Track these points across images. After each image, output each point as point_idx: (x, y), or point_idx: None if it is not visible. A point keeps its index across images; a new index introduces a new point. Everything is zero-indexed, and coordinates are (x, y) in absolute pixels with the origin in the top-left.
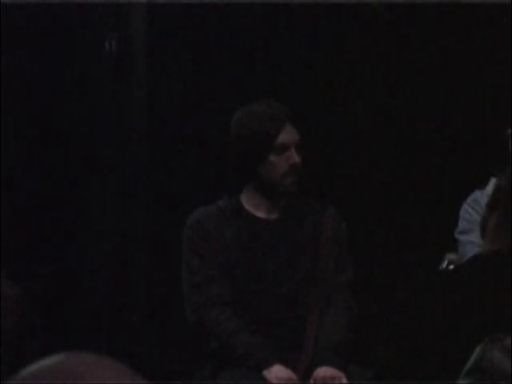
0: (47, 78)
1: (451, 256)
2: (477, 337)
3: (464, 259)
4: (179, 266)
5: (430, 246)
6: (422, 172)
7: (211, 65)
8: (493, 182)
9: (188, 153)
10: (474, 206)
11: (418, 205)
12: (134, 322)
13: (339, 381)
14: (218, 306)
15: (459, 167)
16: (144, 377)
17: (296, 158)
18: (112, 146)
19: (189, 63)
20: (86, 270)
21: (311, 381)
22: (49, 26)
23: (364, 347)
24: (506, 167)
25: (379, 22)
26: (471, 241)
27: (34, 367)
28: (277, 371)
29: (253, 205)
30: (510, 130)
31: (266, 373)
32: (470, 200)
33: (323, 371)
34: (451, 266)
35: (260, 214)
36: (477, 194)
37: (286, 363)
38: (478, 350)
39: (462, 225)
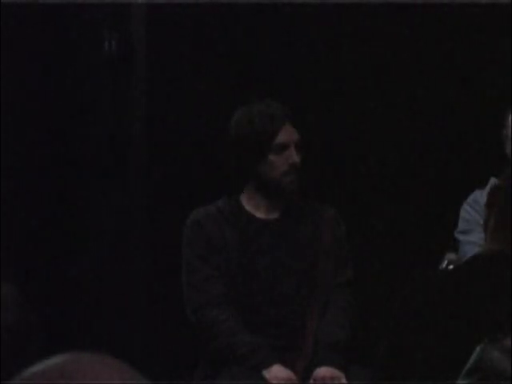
0: (47, 78)
1: (451, 256)
2: (477, 337)
3: (464, 259)
4: (179, 265)
5: (430, 246)
6: (422, 172)
7: (211, 65)
8: (492, 181)
9: (188, 153)
10: (474, 205)
11: (417, 205)
12: (134, 321)
13: (339, 381)
14: (218, 306)
15: (459, 167)
16: (144, 376)
17: (295, 157)
18: (112, 146)
19: (189, 63)
20: (85, 270)
21: (311, 381)
22: (49, 26)
23: (364, 347)
24: (504, 167)
25: (379, 22)
26: (471, 241)
27: (34, 367)
28: (276, 371)
29: (252, 205)
30: (504, 131)
31: (265, 373)
32: (470, 200)
33: (323, 371)
34: (451, 266)
35: (260, 215)
36: (477, 193)
37: (285, 363)
38: (477, 350)
39: (461, 225)
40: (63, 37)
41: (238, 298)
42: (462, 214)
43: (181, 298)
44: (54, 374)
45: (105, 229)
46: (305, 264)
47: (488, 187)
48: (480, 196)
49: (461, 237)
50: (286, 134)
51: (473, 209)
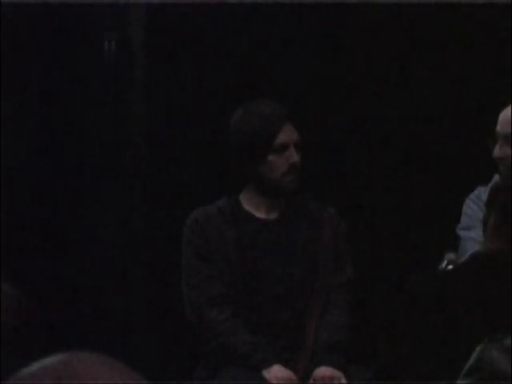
0: (47, 78)
1: (451, 256)
2: (477, 337)
3: (463, 258)
4: (179, 265)
5: (430, 246)
6: (423, 172)
7: (210, 65)
8: (496, 178)
9: (188, 152)
10: (477, 202)
11: (417, 204)
12: (134, 321)
13: (338, 381)
14: (217, 306)
15: (459, 167)
16: (144, 376)
17: (295, 157)
18: (112, 146)
19: (188, 63)
20: (85, 270)
21: (311, 381)
22: (49, 26)
23: (364, 347)
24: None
25: (379, 22)
26: (472, 237)
27: (34, 367)
28: (276, 371)
29: (252, 205)
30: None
31: (265, 373)
32: (473, 196)
33: (323, 371)
34: (451, 266)
35: (259, 215)
36: (480, 190)
37: (285, 363)
38: (477, 349)
39: (463, 220)
40: (63, 37)
41: (237, 297)
42: (465, 209)
43: (181, 297)
44: (53, 374)
45: (105, 229)
46: (304, 264)
47: (491, 183)
48: (483, 192)
49: (462, 233)
50: (286, 134)
51: (476, 205)
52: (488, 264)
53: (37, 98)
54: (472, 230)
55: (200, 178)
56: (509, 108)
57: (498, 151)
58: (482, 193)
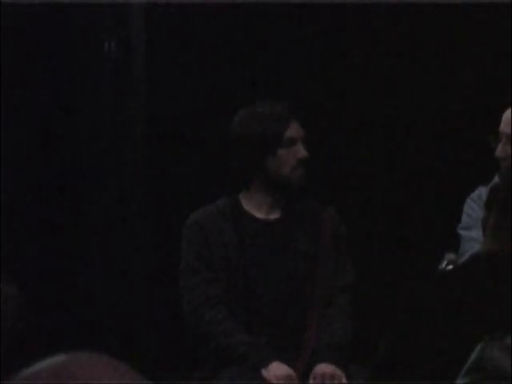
0: (47, 78)
1: (451, 256)
2: (477, 336)
3: (463, 258)
4: (179, 265)
5: (430, 246)
6: (423, 171)
7: (210, 65)
8: (497, 178)
9: (188, 152)
10: (478, 201)
11: (417, 205)
12: (134, 321)
13: (339, 380)
14: (215, 307)
15: (459, 167)
16: (144, 376)
17: (304, 152)
18: (112, 146)
19: (188, 63)
20: (85, 270)
21: (310, 380)
22: (49, 26)
23: (364, 347)
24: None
25: (380, 22)
26: (472, 237)
27: (34, 367)
28: (275, 369)
29: (252, 205)
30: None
31: (264, 372)
32: (474, 196)
33: (323, 367)
34: (451, 266)
35: (259, 215)
36: (481, 189)
37: (286, 363)
38: (477, 349)
39: (464, 220)
40: (63, 37)
41: (237, 298)
42: (466, 209)
43: (180, 297)
44: (53, 374)
45: (105, 229)
46: (305, 264)
47: (492, 183)
48: (484, 192)
49: (463, 232)
50: (294, 130)
51: (476, 205)
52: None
53: (37, 97)
54: (473, 229)
55: (200, 178)
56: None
57: (500, 150)
58: (482, 193)
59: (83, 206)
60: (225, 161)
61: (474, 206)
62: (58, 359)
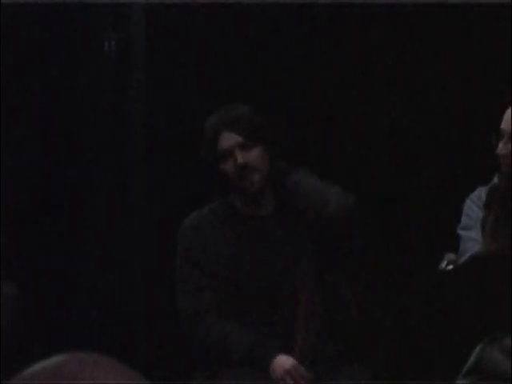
0: (47, 78)
1: (451, 256)
2: (476, 337)
3: (463, 258)
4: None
5: (430, 246)
6: (423, 172)
7: (210, 65)
8: (496, 179)
9: (188, 152)
10: (478, 202)
11: (417, 205)
12: (134, 321)
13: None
14: (210, 312)
15: (459, 167)
16: (144, 376)
17: (239, 158)
18: (112, 146)
19: (188, 63)
20: (85, 270)
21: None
22: (49, 26)
23: (364, 347)
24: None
25: (377, 22)
26: (472, 237)
27: (34, 368)
28: (282, 362)
29: (242, 203)
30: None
31: (271, 365)
32: (473, 196)
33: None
34: (450, 266)
35: (251, 212)
36: (481, 190)
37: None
38: (477, 350)
39: (464, 220)
40: (63, 37)
41: (233, 297)
42: (465, 209)
43: None
44: (53, 374)
45: (105, 229)
46: (298, 259)
47: (491, 184)
48: (484, 193)
49: (463, 232)
50: (225, 141)
51: (476, 205)
52: (487, 264)
53: (37, 97)
54: (472, 230)
55: (200, 179)
56: None
57: (501, 148)
58: (482, 193)
59: (83, 206)
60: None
61: (473, 207)
62: (58, 359)
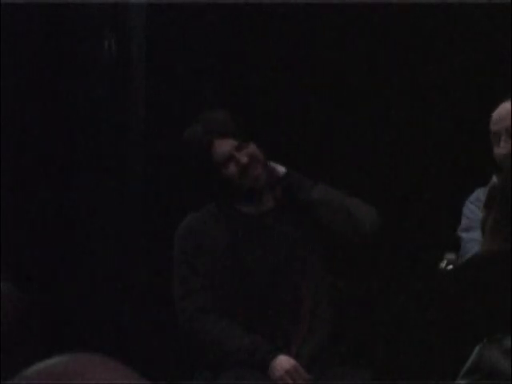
0: (47, 78)
1: (451, 256)
2: (476, 337)
3: (463, 259)
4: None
5: (430, 246)
6: (423, 172)
7: (210, 65)
8: (494, 179)
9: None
10: (477, 203)
11: (417, 205)
12: (134, 322)
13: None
14: (209, 313)
15: (459, 167)
16: (144, 377)
17: (241, 159)
18: (111, 146)
19: (188, 63)
20: (85, 271)
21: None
22: (48, 26)
23: (363, 347)
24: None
25: (376, 22)
26: (473, 238)
27: (34, 368)
28: (283, 363)
29: (240, 202)
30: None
31: (272, 365)
32: (472, 198)
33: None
34: (450, 266)
35: (250, 211)
36: (479, 191)
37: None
38: (477, 350)
39: (464, 222)
40: (63, 37)
41: (232, 297)
42: (465, 211)
43: None
44: (54, 374)
45: (105, 229)
46: (298, 258)
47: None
48: (482, 194)
49: (463, 234)
50: (220, 149)
51: (475, 206)
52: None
53: (37, 97)
54: (473, 231)
55: (199, 179)
56: (503, 105)
57: (502, 147)
58: (480, 194)
59: (84, 207)
60: None
61: (472, 208)
62: (58, 359)
